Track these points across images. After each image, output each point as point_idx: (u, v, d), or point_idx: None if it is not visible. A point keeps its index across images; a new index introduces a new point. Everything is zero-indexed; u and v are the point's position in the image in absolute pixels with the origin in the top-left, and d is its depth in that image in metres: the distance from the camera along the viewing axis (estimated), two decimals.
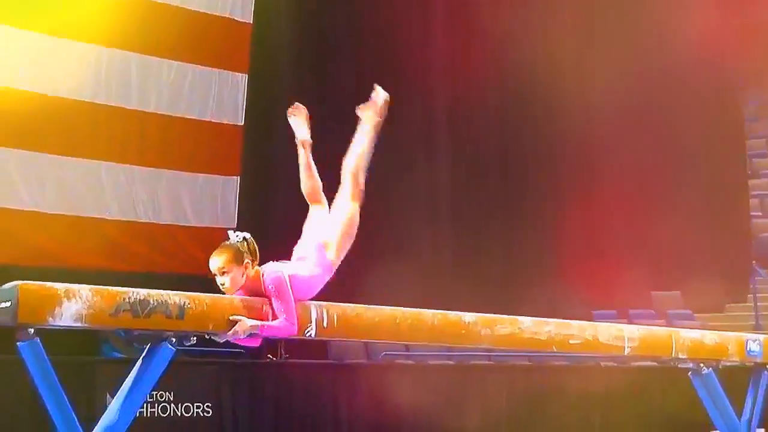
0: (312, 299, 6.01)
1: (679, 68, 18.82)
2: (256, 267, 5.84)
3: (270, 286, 5.74)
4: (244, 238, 5.88)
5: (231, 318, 5.66)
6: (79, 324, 5.19)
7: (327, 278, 6.05)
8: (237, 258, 5.79)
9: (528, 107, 18.68)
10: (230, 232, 5.94)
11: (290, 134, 18.30)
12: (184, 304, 5.52)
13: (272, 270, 5.80)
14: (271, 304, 5.77)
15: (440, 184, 18.60)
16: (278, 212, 14.85)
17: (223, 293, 5.80)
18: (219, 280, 5.82)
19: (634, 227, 18.33)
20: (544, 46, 18.35)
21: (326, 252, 6.07)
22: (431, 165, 18.55)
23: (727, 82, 19.84)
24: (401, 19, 18.46)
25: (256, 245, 5.90)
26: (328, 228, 6.17)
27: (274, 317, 5.75)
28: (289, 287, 5.76)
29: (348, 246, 6.18)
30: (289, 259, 6.07)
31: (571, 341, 7.12)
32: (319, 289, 6.01)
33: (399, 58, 17.72)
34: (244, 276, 5.80)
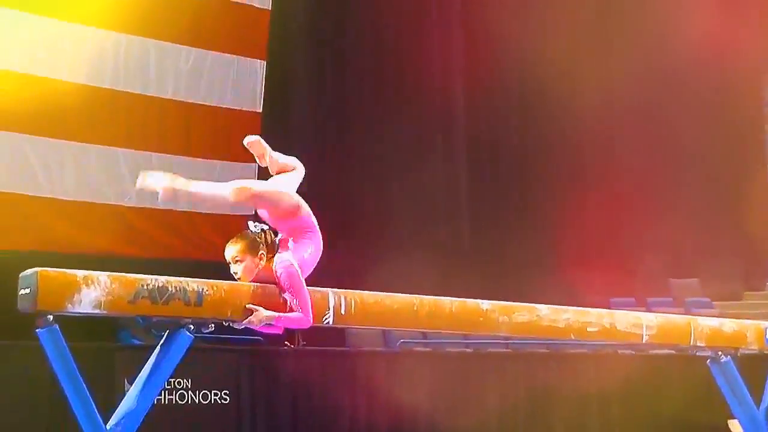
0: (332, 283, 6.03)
1: (697, 56, 18.81)
2: (269, 256, 5.85)
3: (285, 283, 5.75)
4: (262, 230, 5.89)
5: (248, 307, 5.67)
6: (97, 311, 5.20)
7: (317, 227, 6.03)
8: (251, 248, 5.80)
9: (545, 99, 18.69)
10: (250, 223, 5.94)
11: (307, 120, 18.19)
12: (202, 291, 5.53)
13: (283, 263, 5.77)
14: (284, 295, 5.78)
15: (458, 173, 18.60)
16: None
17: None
18: (232, 268, 5.83)
19: (653, 216, 18.27)
20: (559, 46, 18.41)
21: (296, 216, 6.01)
22: (449, 155, 18.56)
23: (745, 69, 19.79)
24: (420, 12, 18.48)
25: (273, 237, 5.89)
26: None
27: (291, 308, 5.76)
28: (302, 279, 5.76)
29: (277, 197, 6.04)
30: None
31: (589, 329, 7.11)
32: (320, 243, 6.00)
33: (418, 50, 17.75)
34: (258, 267, 5.80)
